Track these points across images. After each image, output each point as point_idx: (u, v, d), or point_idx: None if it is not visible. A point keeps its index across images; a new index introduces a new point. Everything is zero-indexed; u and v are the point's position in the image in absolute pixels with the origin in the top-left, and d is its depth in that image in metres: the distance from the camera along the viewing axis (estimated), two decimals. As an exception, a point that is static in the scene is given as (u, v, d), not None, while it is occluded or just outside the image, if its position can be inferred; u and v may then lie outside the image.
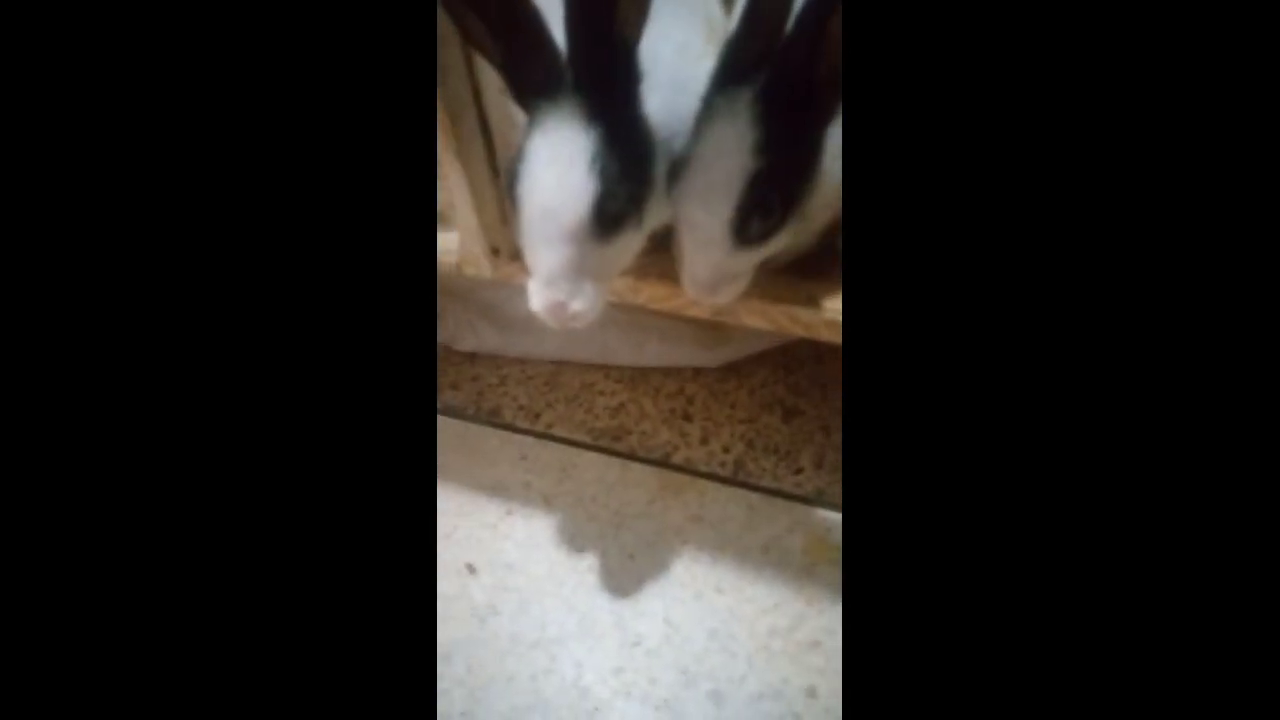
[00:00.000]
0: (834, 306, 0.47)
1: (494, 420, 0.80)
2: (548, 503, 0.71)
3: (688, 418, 0.77)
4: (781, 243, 0.41)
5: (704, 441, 0.75)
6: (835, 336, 0.48)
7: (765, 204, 0.38)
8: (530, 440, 0.77)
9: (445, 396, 0.83)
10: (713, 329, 0.77)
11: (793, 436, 0.74)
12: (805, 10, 0.34)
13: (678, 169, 0.39)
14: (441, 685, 0.59)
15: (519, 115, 0.41)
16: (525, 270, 0.41)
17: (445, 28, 0.40)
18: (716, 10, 0.52)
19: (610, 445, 0.76)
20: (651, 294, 0.50)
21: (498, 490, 0.73)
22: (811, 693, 0.56)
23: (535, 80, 0.38)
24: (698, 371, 0.81)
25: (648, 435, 0.76)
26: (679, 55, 0.45)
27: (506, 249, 0.52)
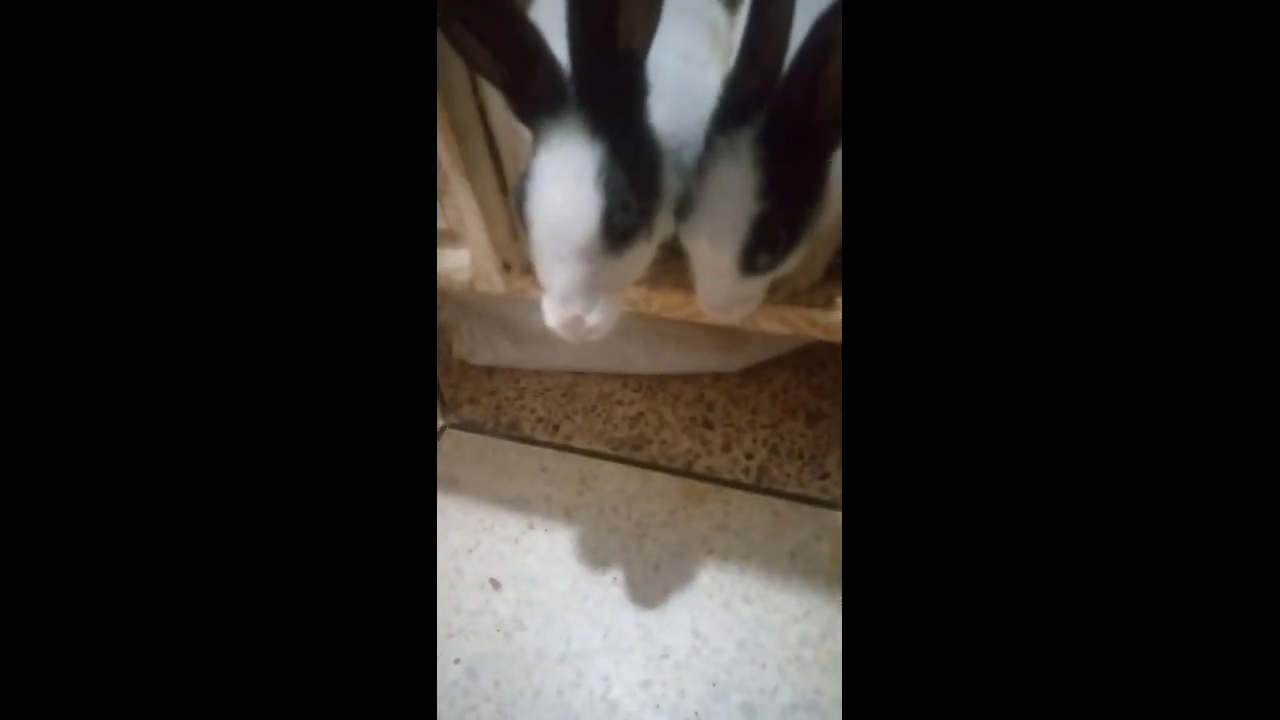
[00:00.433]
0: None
1: (513, 434, 0.80)
2: (569, 515, 0.71)
3: (708, 425, 0.77)
4: (792, 264, 0.42)
5: (726, 448, 0.74)
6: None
7: (770, 240, 0.39)
8: (550, 452, 0.77)
9: (464, 411, 0.83)
10: (730, 334, 0.77)
11: (817, 440, 0.73)
12: (803, 51, 0.34)
13: (684, 207, 0.40)
14: (469, 701, 0.59)
15: (525, 132, 0.41)
16: (537, 284, 0.41)
17: (448, 48, 0.40)
18: (720, 16, 0.52)
19: (630, 455, 0.75)
20: (665, 303, 0.50)
21: (519, 504, 0.72)
22: (844, 703, 0.56)
23: (537, 97, 0.38)
24: (717, 377, 0.80)
25: (668, 444, 0.76)
26: (684, 63, 0.45)
27: (518, 264, 0.53)
